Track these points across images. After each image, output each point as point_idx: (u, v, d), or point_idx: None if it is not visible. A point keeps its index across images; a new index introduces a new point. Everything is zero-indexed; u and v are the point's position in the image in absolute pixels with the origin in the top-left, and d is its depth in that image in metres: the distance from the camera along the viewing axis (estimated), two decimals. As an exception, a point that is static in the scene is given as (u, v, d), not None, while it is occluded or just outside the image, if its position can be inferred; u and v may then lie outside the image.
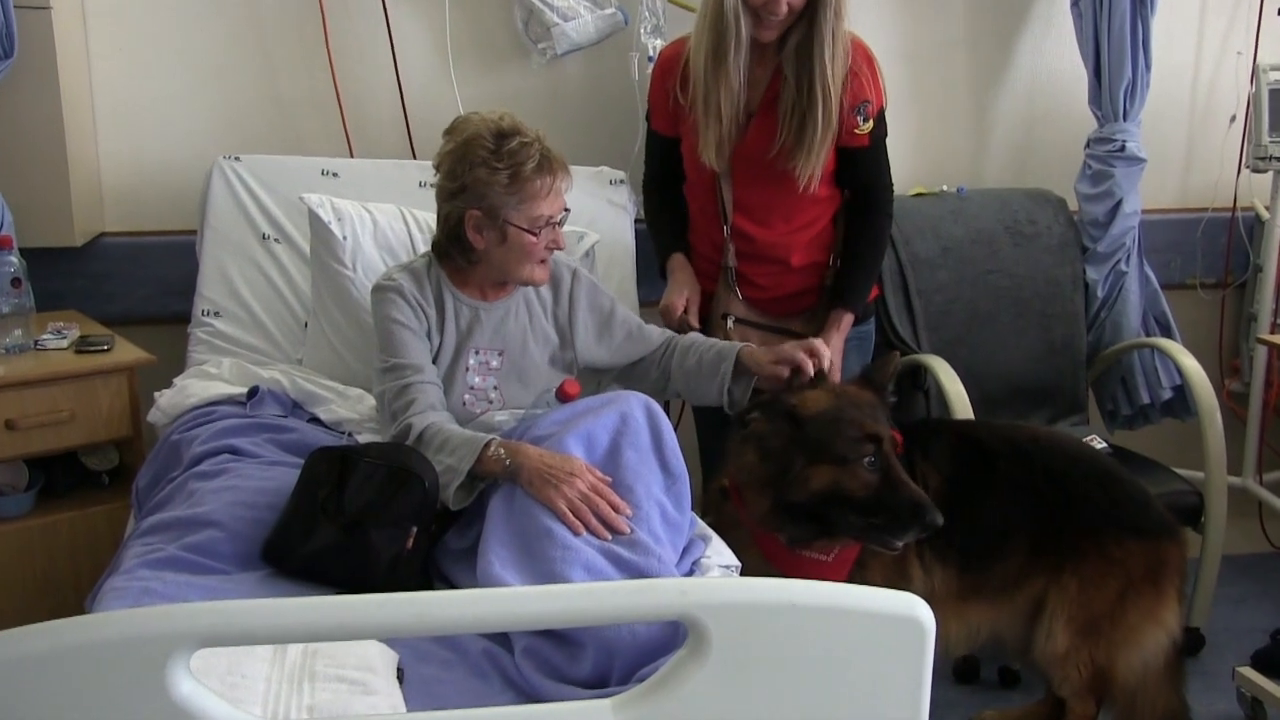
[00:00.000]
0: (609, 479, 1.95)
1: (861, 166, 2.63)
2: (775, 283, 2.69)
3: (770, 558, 2.22)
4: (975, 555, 2.33)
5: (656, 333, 2.48)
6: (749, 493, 2.20)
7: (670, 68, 2.63)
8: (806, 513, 2.12)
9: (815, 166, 2.51)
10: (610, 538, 1.86)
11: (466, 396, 2.25)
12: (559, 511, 1.86)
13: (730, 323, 2.68)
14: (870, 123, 2.58)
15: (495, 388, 2.27)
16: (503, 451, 1.95)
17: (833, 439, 2.10)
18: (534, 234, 2.19)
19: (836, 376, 2.61)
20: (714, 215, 2.67)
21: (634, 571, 1.83)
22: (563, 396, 2.28)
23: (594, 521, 1.87)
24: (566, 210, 2.26)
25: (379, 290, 2.25)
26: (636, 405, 2.06)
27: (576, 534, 1.84)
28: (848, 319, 2.67)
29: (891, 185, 2.71)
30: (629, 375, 2.45)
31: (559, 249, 2.28)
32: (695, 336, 2.47)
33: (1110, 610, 2.31)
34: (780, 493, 2.12)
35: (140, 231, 3.07)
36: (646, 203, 2.88)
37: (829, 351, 2.28)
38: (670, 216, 2.80)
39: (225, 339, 2.79)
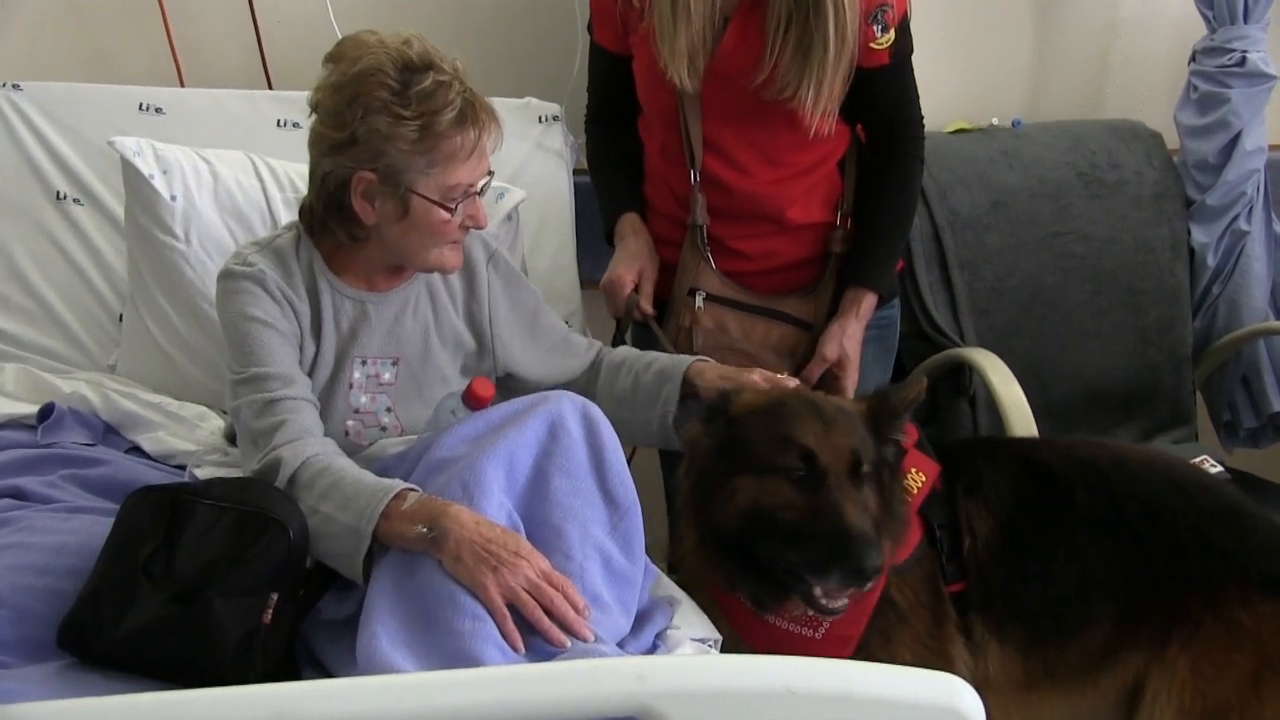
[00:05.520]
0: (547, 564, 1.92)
1: (881, 93, 2.65)
2: (764, 250, 2.71)
3: (740, 631, 2.22)
4: (1046, 626, 2.32)
5: (584, 345, 2.51)
6: (684, 525, 2.22)
7: None
8: (737, 547, 2.14)
9: (827, 100, 2.52)
10: (569, 645, 1.84)
11: (350, 423, 2.25)
12: (492, 606, 1.83)
13: (699, 300, 2.68)
14: (891, 33, 2.58)
15: (388, 409, 2.27)
16: (420, 509, 1.91)
17: (757, 441, 2.13)
18: (447, 209, 2.17)
19: (853, 380, 2.63)
20: (677, 157, 2.68)
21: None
22: (473, 401, 2.28)
23: (546, 621, 1.84)
24: (490, 174, 2.25)
25: (231, 278, 2.21)
26: (570, 411, 2.05)
27: (515, 650, 1.82)
28: (869, 300, 2.68)
29: (921, 118, 2.74)
30: None
31: (478, 227, 2.27)
32: (627, 351, 2.50)
33: (1239, 698, 2.27)
34: (705, 516, 2.16)
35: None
36: (590, 145, 2.89)
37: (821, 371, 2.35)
38: (619, 162, 2.82)
39: (4, 339, 2.78)
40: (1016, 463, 2.41)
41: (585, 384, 2.46)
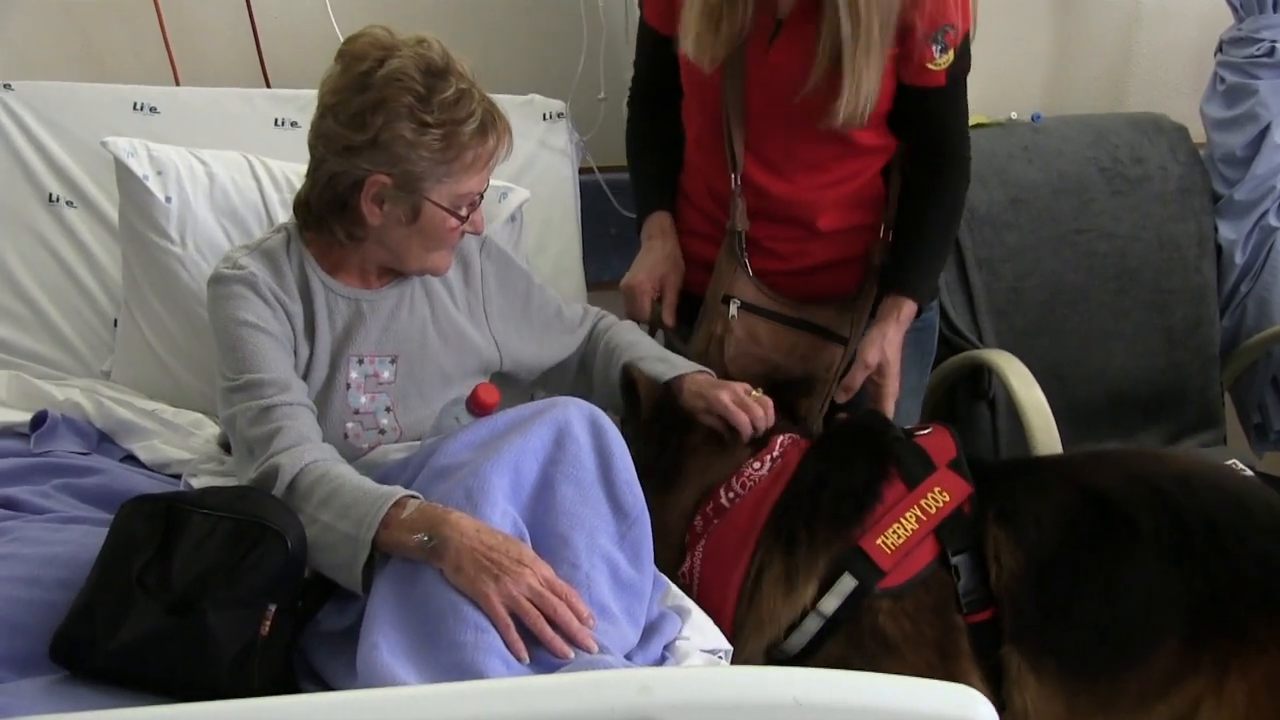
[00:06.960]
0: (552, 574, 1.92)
1: (933, 113, 2.64)
2: (796, 250, 2.72)
3: None
4: (1099, 657, 2.24)
5: (576, 318, 2.53)
6: None
7: None
8: None
9: (861, 98, 2.48)
10: (572, 656, 1.84)
11: (349, 425, 2.25)
12: (494, 615, 1.83)
13: (733, 309, 2.69)
14: (949, 54, 2.56)
15: (387, 409, 2.28)
16: (420, 517, 1.92)
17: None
18: (458, 216, 2.21)
19: (895, 387, 2.63)
20: (712, 148, 2.68)
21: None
22: (477, 408, 2.28)
23: (549, 631, 1.84)
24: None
25: (221, 283, 2.21)
26: (577, 418, 2.06)
27: (519, 659, 1.83)
28: (909, 308, 2.67)
29: (968, 135, 2.73)
30: (543, 382, 2.50)
31: (475, 233, 2.32)
32: (626, 330, 2.53)
33: None
34: None
35: None
36: (630, 127, 2.89)
37: (769, 412, 2.36)
38: (657, 149, 2.83)
39: (-2, 345, 2.80)
40: (1068, 488, 2.34)
41: (582, 359, 2.51)
